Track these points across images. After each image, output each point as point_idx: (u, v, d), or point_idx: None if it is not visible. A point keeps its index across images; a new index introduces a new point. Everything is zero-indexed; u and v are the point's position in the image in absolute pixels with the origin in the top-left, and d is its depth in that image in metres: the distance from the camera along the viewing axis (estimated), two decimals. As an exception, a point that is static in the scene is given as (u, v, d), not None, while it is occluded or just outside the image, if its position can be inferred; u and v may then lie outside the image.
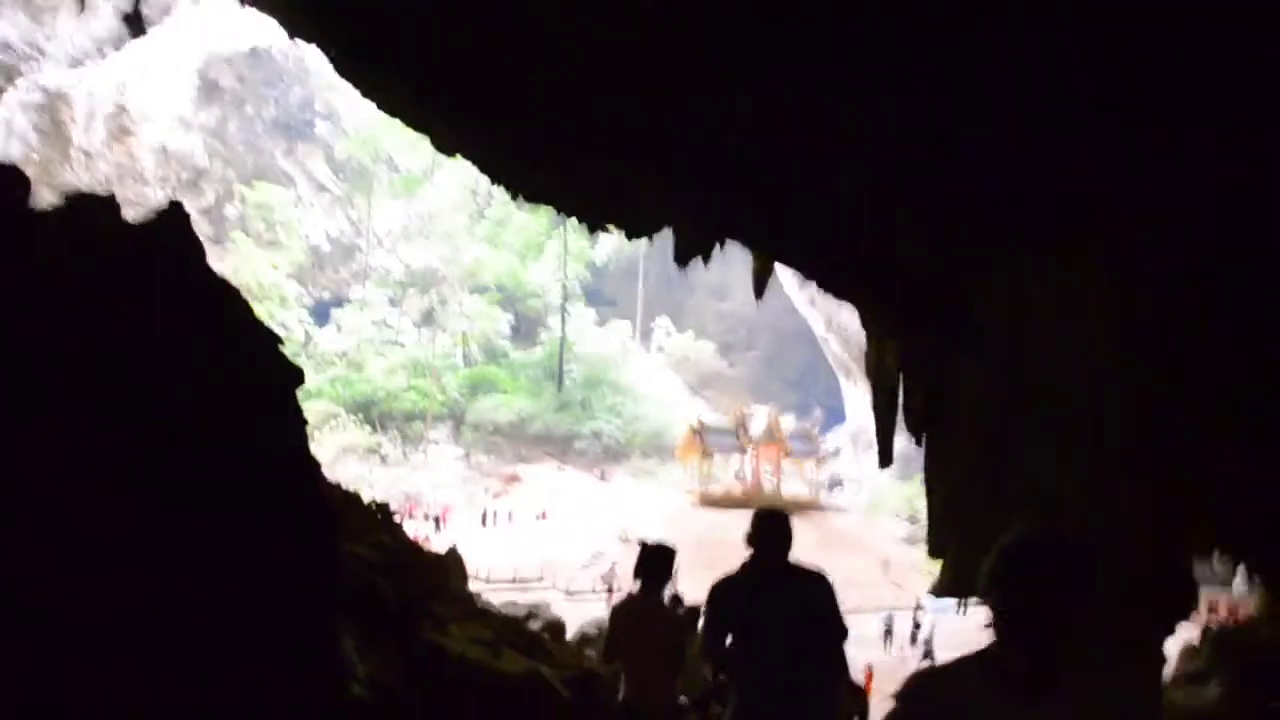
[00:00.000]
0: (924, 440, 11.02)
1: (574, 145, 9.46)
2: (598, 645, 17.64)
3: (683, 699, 6.64)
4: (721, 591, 5.17)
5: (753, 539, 5.26)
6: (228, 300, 3.88)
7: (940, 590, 10.75)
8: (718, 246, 11.63)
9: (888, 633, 36.26)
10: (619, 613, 6.20)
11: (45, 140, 58.91)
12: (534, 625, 18.46)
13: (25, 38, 56.10)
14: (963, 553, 9.57)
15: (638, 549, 6.27)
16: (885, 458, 11.77)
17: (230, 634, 3.40)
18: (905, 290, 9.57)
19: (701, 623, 5.22)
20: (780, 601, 5.09)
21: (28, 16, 55.56)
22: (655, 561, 6.15)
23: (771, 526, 5.28)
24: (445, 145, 11.85)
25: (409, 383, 65.24)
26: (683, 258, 11.62)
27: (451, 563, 20.27)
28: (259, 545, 3.55)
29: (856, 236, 9.05)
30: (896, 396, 11.14)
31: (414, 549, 12.66)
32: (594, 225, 11.82)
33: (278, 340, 4.08)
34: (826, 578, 5.25)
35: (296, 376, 4.06)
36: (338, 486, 12.04)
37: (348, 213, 75.65)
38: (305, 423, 4.23)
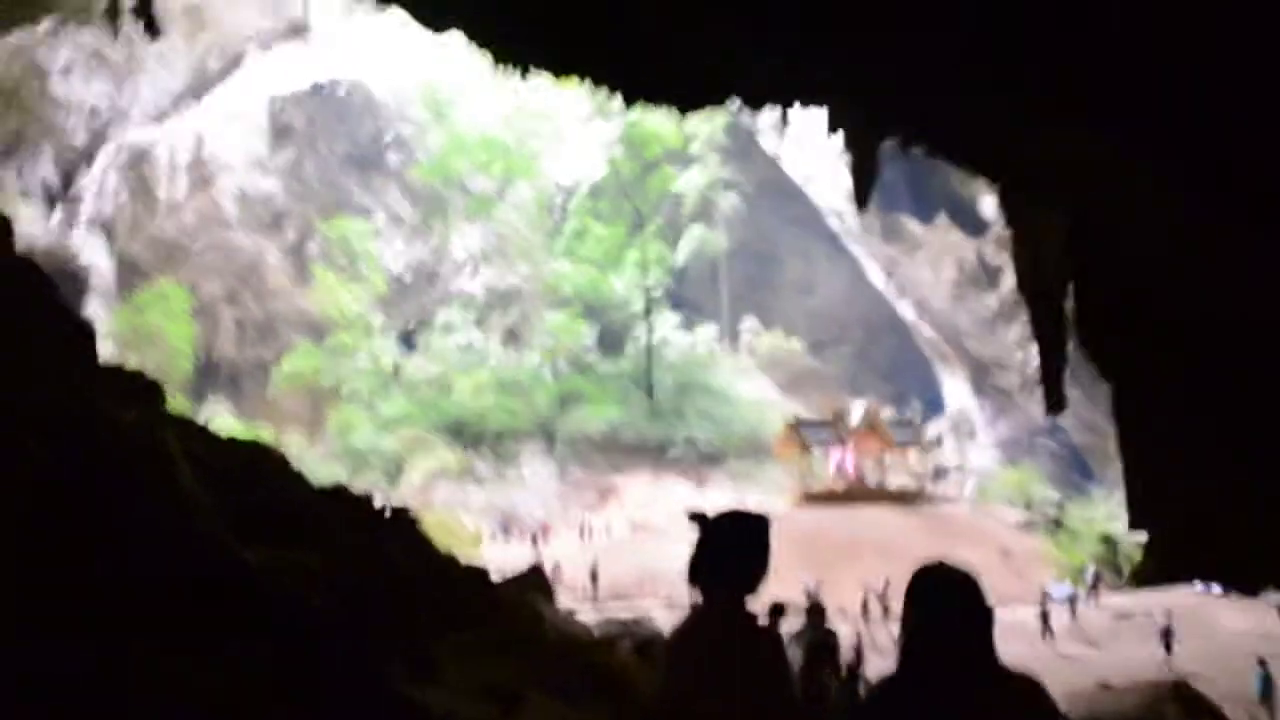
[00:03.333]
0: (1109, 371, 8.41)
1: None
2: None
3: None
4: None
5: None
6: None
7: (1143, 578, 8.77)
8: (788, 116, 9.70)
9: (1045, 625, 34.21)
10: (680, 639, 3.61)
11: (134, 196, 60.66)
12: (628, 643, 17.62)
13: (110, 102, 57.98)
14: (1178, 528, 7.70)
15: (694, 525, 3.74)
16: (1054, 398, 9.49)
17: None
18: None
19: None
20: None
21: (110, 80, 57.41)
22: (732, 546, 3.71)
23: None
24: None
25: (497, 401, 65.31)
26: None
27: (532, 582, 19.72)
28: None
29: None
30: (1063, 309, 8.73)
31: (447, 564, 11.84)
32: (639, 97, 10.26)
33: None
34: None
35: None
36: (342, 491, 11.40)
37: (426, 240, 76.28)
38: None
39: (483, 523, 52.90)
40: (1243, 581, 6.82)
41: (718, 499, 59.01)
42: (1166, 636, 30.67)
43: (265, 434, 54.06)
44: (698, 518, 3.73)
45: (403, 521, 12.30)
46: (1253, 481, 6.19)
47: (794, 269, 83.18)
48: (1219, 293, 6.52)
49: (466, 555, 42.64)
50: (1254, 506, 6.24)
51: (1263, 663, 24.40)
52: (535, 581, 20.56)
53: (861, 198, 10.86)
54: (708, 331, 77.17)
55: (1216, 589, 41.48)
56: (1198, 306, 7.09)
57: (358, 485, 54.42)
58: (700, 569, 3.59)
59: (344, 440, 59.14)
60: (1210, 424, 6.98)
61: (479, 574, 13.43)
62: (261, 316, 65.29)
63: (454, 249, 76.71)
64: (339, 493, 11.95)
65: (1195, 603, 40.30)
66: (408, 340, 70.85)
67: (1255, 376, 6.50)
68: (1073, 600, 39.43)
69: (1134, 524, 8.35)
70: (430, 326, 71.50)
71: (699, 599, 3.57)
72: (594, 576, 39.48)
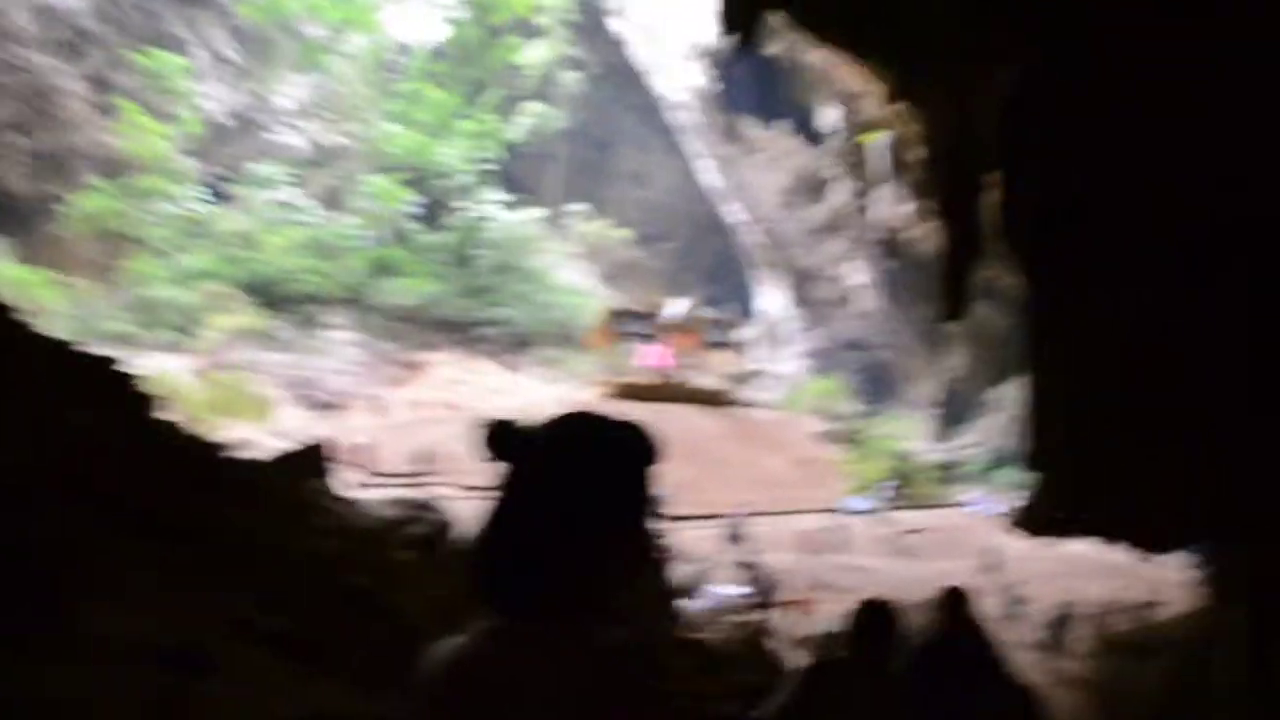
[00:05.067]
0: (1032, 286, 7.41)
1: None
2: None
3: None
4: None
5: None
6: None
7: (1026, 521, 7.80)
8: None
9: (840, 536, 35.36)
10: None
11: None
12: (417, 530, 16.91)
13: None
14: (1083, 467, 7.08)
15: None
16: (952, 304, 8.24)
17: None
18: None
19: None
20: None
21: None
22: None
23: None
24: None
25: (308, 263, 62.62)
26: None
27: (310, 460, 18.75)
28: None
29: None
30: (974, 208, 7.52)
31: (184, 444, 10.35)
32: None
33: None
34: None
35: None
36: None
37: (249, 86, 71.55)
38: None
39: (279, 390, 50.97)
40: (1147, 541, 6.40)
41: (527, 383, 58.75)
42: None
43: (50, 279, 50.52)
44: (498, 433, 1.87)
45: (109, 381, 9.91)
46: (1173, 435, 5.68)
47: (629, 159, 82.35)
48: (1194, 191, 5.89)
49: (252, 423, 41.32)
50: (1171, 461, 5.74)
51: (1017, 584, 26.27)
52: (314, 458, 19.34)
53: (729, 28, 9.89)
54: (534, 213, 75.74)
55: (996, 509, 44.21)
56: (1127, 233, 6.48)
57: (148, 341, 51.82)
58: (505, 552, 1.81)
59: (139, 292, 55.58)
60: (1145, 358, 6.40)
61: (226, 462, 12.38)
62: (56, 149, 60.02)
63: (278, 99, 72.29)
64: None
65: (976, 522, 42.84)
66: (218, 191, 66.77)
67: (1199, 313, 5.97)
68: (868, 513, 41.24)
69: (1033, 462, 7.38)
70: (245, 179, 67.52)
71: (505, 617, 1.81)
72: (391, 454, 38.56)
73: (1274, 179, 5.48)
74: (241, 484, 11.26)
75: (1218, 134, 5.69)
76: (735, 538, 32.28)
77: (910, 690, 4.24)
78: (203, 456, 11.44)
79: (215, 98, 68.35)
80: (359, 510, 16.79)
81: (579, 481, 1.81)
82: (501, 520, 1.82)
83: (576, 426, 1.89)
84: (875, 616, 4.44)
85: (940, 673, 4.70)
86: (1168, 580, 23.06)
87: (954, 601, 4.97)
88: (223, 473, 11.45)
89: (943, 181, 7.85)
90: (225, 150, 68.92)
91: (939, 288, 7.83)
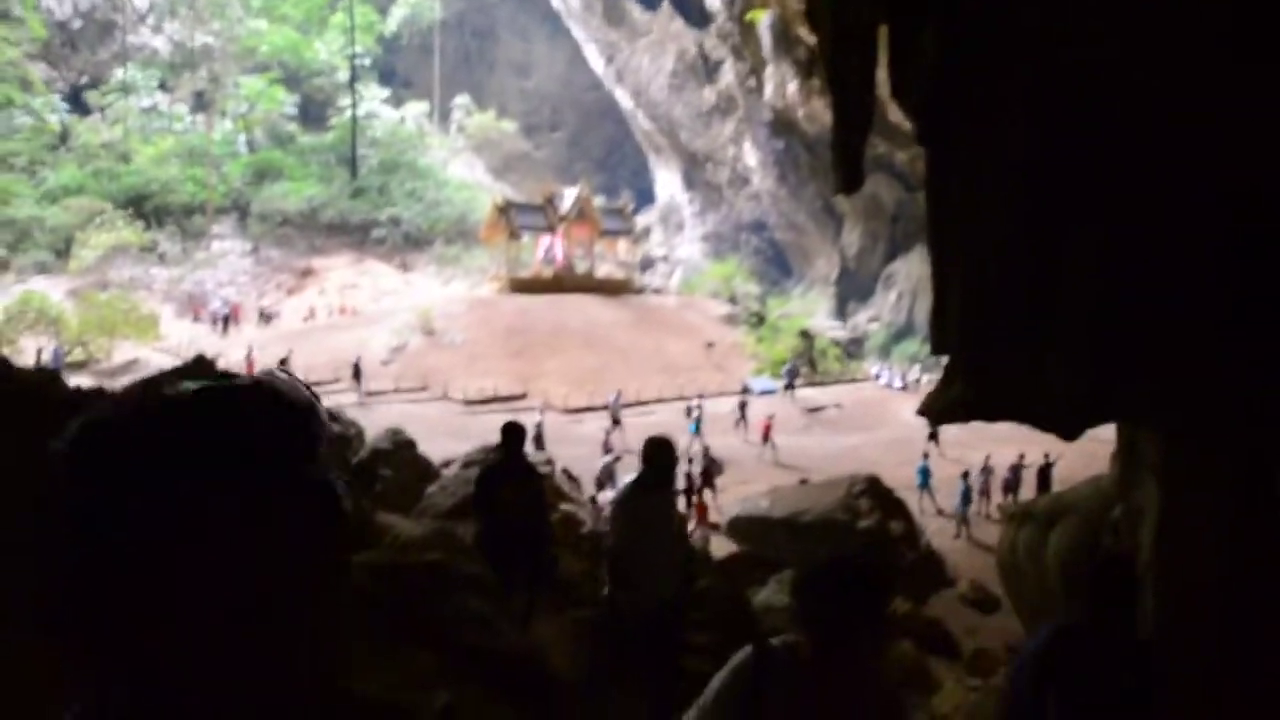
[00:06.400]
0: (928, 154, 6.88)
1: None
2: (397, 462, 15.91)
3: None
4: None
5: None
6: None
7: (931, 409, 7.06)
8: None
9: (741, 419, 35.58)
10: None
11: None
12: None
13: None
14: (985, 350, 6.45)
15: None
16: (848, 175, 7.63)
17: None
18: None
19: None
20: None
21: None
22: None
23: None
24: None
25: (184, 172, 59.90)
26: None
27: (193, 375, 17.94)
28: None
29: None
30: (865, 72, 7.03)
31: None
32: None
33: None
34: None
35: None
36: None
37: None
38: None
39: (166, 305, 49.16)
40: (1054, 425, 6.14)
41: (423, 283, 57.71)
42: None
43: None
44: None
45: None
46: (1077, 315, 5.45)
47: (511, 47, 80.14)
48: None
49: (139, 341, 39.86)
50: (1076, 343, 5.51)
51: (926, 456, 26.82)
52: (199, 374, 18.55)
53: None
54: (418, 108, 73.43)
55: (897, 383, 45.28)
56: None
57: (17, 264, 49.29)
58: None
59: (1, 212, 52.51)
60: (1048, 231, 6.01)
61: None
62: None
63: (134, -3, 68.14)
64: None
65: (881, 396, 43.73)
66: (77, 100, 63.09)
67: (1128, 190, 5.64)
68: (774, 393, 41.69)
69: (935, 345, 6.82)
70: (106, 86, 63.83)
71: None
72: (284, 363, 37.54)
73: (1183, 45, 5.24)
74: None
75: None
76: (616, 421, 32.52)
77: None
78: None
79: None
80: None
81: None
82: None
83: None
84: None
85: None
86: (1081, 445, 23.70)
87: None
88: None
89: (828, 43, 7.33)
90: (80, 56, 65.01)
91: (833, 158, 7.33)
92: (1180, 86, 5.29)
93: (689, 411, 34.31)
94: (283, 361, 37.23)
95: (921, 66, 6.39)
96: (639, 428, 32.07)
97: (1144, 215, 5.40)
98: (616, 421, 32.72)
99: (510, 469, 7.44)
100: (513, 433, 7.48)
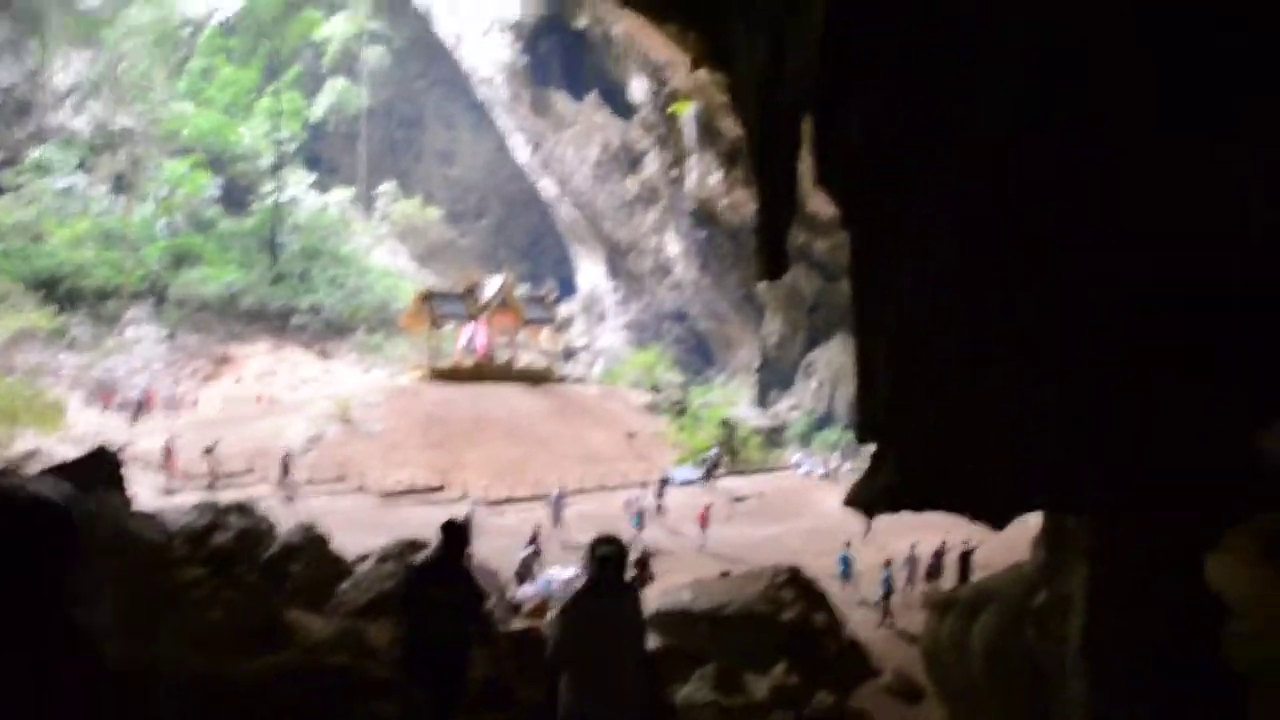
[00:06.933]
0: (851, 239, 6.84)
1: None
2: (308, 557, 15.48)
3: None
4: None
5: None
6: None
7: (858, 500, 6.90)
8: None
9: (659, 508, 35.71)
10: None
11: None
12: (222, 539, 15.86)
13: None
14: (910, 438, 6.37)
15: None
16: (770, 263, 7.31)
17: None
18: None
19: None
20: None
21: None
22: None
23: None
24: None
25: (99, 255, 58.76)
26: None
27: (94, 469, 17.26)
28: None
29: None
30: (788, 161, 7.10)
31: None
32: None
33: None
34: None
35: None
36: None
37: (20, 63, 66.24)
38: None
39: (74, 392, 47.78)
40: (980, 513, 6.13)
41: (343, 371, 57.07)
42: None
43: None
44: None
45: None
46: (1003, 404, 5.45)
47: (437, 135, 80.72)
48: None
49: (42, 431, 38.58)
50: (1001, 432, 5.51)
51: (848, 545, 26.95)
52: (103, 466, 17.75)
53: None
54: (342, 194, 73.28)
55: (818, 471, 45.68)
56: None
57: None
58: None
59: (-96, 290, 50.93)
60: (972, 319, 6.06)
61: None
62: None
63: (54, 77, 67.30)
64: None
65: (801, 485, 44.02)
66: (-9, 180, 61.83)
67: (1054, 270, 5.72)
68: (694, 483, 41.82)
69: (860, 433, 6.85)
70: (21, 165, 62.67)
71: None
72: (209, 452, 36.60)
73: (1121, 119, 5.42)
74: None
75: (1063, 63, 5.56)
76: (557, 518, 32.16)
77: None
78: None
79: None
80: (148, 523, 15.57)
81: None
82: None
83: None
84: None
85: None
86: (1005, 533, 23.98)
87: None
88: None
89: (755, 129, 7.49)
90: (-3, 134, 63.92)
91: (757, 245, 7.41)
92: (1103, 168, 5.41)
93: (627, 504, 34.07)
94: (208, 450, 36.36)
95: (846, 150, 6.54)
96: (565, 520, 32.00)
97: (1067, 297, 5.45)
98: (558, 518, 32.30)
99: (444, 570, 7.12)
100: (453, 532, 7.13)
